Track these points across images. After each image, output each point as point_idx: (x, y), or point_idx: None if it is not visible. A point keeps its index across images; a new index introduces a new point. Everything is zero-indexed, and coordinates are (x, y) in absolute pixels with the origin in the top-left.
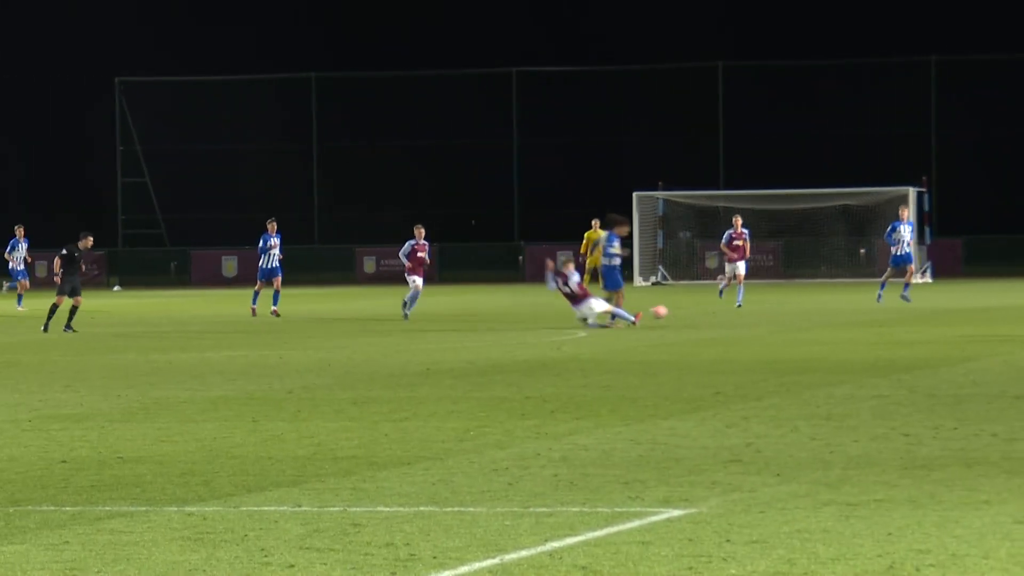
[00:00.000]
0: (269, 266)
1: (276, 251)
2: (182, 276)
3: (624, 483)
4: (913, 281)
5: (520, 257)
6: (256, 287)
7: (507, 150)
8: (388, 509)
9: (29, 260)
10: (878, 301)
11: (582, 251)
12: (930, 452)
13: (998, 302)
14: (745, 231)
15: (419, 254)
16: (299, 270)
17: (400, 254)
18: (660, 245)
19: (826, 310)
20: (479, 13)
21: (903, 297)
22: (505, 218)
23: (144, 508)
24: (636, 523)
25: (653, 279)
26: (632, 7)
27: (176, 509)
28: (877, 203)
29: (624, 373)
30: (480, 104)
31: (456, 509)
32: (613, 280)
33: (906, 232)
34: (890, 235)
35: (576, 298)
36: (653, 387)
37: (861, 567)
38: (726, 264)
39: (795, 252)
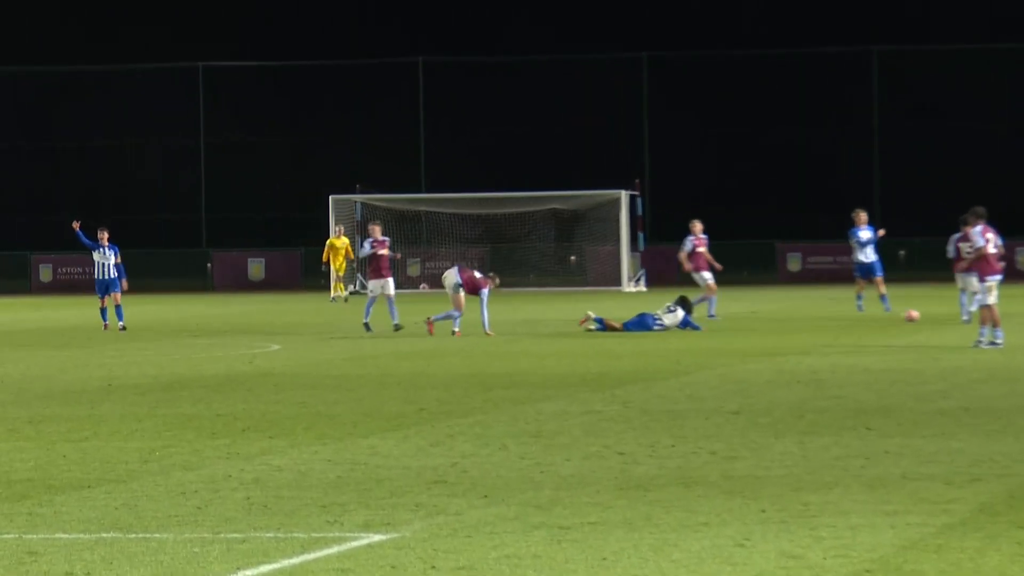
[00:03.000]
0: (105, 277)
1: (109, 263)
2: None
3: (322, 506)
4: (882, 290)
5: (208, 264)
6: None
7: (193, 150)
8: (67, 536)
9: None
10: (859, 310)
11: (324, 259)
12: (646, 471)
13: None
14: (704, 237)
15: (380, 252)
16: None
17: (360, 256)
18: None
19: (535, 320)
20: (162, 3)
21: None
22: (192, 223)
23: None
24: (335, 549)
25: (351, 288)
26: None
27: None
28: (588, 207)
29: (320, 388)
30: (164, 100)
31: (141, 535)
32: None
33: (865, 237)
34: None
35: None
36: (352, 403)
37: None
38: (695, 274)
39: (502, 259)
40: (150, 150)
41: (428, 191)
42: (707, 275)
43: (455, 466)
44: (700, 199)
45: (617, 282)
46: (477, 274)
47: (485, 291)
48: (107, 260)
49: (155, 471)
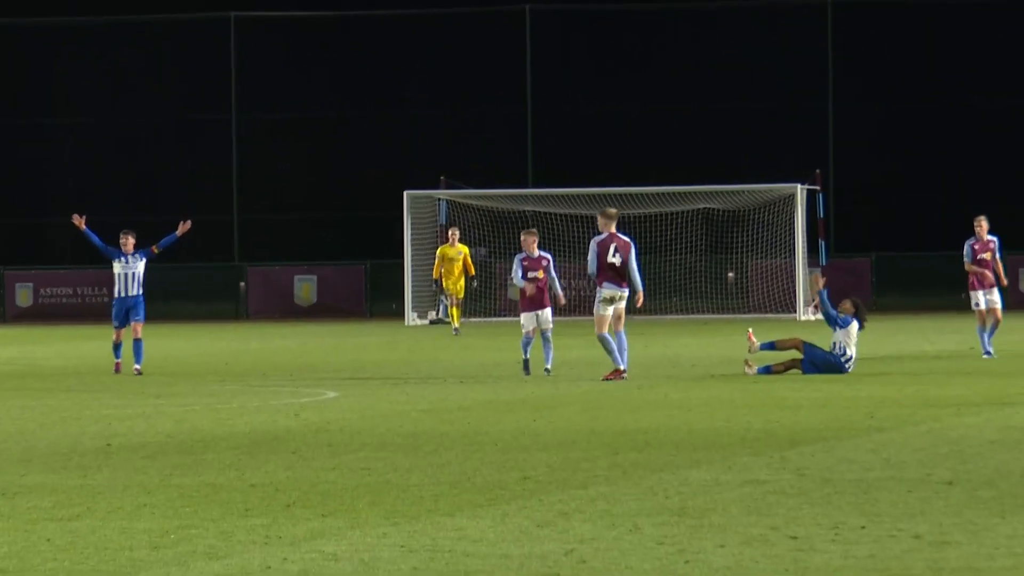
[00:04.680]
0: (128, 295)
1: (135, 276)
2: None
3: None
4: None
5: (241, 283)
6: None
7: (221, 128)
8: None
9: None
10: None
11: (435, 275)
12: (827, 561)
13: (920, 347)
14: (994, 240)
15: (532, 274)
16: None
17: (514, 279)
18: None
19: (678, 358)
20: None
21: None
22: (219, 226)
23: None
24: None
25: (432, 315)
26: None
27: None
28: (751, 207)
29: (391, 450)
30: (183, 63)
31: None
32: None
33: None
34: None
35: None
36: (432, 470)
37: None
38: (972, 293)
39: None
40: (162, 128)
41: (536, 185)
42: (981, 295)
43: (570, 554)
44: (902, 197)
45: (790, 307)
46: (614, 256)
47: (632, 254)
48: (133, 271)
49: (169, 560)
